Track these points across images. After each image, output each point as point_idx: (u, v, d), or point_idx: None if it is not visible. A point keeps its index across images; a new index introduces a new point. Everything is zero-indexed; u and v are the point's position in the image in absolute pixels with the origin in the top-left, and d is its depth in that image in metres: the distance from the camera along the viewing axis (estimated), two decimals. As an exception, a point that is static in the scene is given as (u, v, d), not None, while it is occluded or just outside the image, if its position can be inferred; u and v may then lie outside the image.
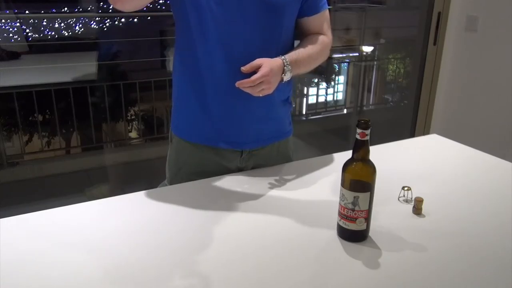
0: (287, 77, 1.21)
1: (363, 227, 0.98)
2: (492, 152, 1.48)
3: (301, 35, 1.35)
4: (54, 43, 3.85)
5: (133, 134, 4.26)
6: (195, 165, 1.35)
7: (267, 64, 1.15)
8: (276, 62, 1.18)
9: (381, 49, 4.48)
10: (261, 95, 1.18)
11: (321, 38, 1.33)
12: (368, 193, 0.95)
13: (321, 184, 1.27)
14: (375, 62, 4.52)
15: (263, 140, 1.37)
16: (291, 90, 1.41)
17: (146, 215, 1.10)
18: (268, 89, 1.17)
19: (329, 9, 1.35)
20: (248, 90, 1.16)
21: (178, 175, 1.36)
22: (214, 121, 1.29)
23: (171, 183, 1.38)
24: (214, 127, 1.30)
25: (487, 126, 2.86)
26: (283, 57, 1.21)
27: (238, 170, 1.36)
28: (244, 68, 1.16)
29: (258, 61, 1.16)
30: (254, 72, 1.15)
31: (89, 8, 3.79)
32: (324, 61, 1.36)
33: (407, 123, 3.42)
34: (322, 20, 1.33)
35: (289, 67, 1.21)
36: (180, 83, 1.32)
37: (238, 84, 1.15)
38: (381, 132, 2.07)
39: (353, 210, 0.95)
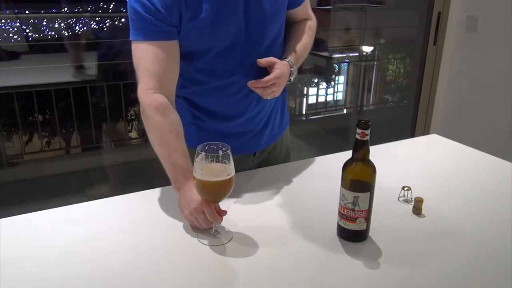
0: (293, 77, 1.23)
1: (363, 227, 0.98)
2: (492, 152, 1.48)
3: (288, 25, 1.34)
4: (54, 43, 3.85)
5: (133, 134, 4.26)
6: None
7: (280, 66, 1.16)
8: (285, 65, 1.19)
9: (381, 49, 4.47)
10: (269, 98, 1.18)
11: (308, 24, 1.34)
12: (368, 193, 0.95)
13: (321, 184, 1.27)
14: (375, 62, 4.51)
15: (271, 139, 1.38)
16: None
17: (146, 215, 1.10)
18: (277, 91, 1.18)
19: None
20: (259, 91, 1.16)
21: None
22: (229, 130, 1.27)
23: None
24: (225, 136, 1.28)
25: (487, 126, 2.86)
26: (288, 59, 1.22)
27: (249, 170, 1.37)
28: (261, 60, 1.15)
29: (274, 59, 1.16)
30: (264, 72, 1.16)
31: (89, 8, 3.79)
32: None
33: (407, 123, 3.42)
34: (306, 6, 1.34)
35: (295, 67, 1.23)
36: (185, 98, 1.28)
37: (250, 84, 1.14)
38: (381, 132, 2.07)
39: (353, 210, 0.95)
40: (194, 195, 1.01)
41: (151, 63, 1.08)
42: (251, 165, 1.37)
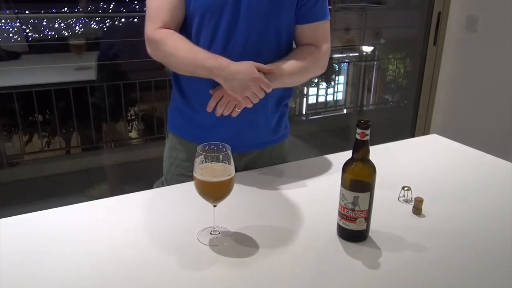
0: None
1: (363, 227, 0.98)
2: (492, 152, 1.48)
3: (296, 44, 1.32)
4: (54, 43, 3.85)
5: (133, 134, 4.26)
6: (185, 160, 1.34)
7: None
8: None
9: (381, 49, 4.47)
10: (238, 110, 1.19)
11: (310, 49, 1.28)
12: (368, 193, 0.95)
13: (321, 184, 1.27)
14: (375, 62, 4.52)
15: (256, 145, 1.36)
16: (291, 96, 1.40)
17: (145, 215, 1.10)
18: (244, 100, 1.15)
19: (328, 9, 1.32)
20: (224, 113, 1.20)
21: (170, 171, 1.37)
22: (206, 121, 1.29)
23: (165, 179, 1.39)
24: (206, 127, 1.30)
25: (487, 126, 2.86)
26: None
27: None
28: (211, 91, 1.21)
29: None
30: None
31: (89, 8, 3.79)
32: (320, 72, 1.32)
33: (407, 123, 3.43)
34: (315, 31, 1.28)
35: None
36: (177, 81, 1.33)
37: (209, 109, 1.21)
38: (381, 132, 2.07)
39: (353, 210, 0.95)
40: (243, 74, 1.10)
41: (160, 10, 1.20)
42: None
